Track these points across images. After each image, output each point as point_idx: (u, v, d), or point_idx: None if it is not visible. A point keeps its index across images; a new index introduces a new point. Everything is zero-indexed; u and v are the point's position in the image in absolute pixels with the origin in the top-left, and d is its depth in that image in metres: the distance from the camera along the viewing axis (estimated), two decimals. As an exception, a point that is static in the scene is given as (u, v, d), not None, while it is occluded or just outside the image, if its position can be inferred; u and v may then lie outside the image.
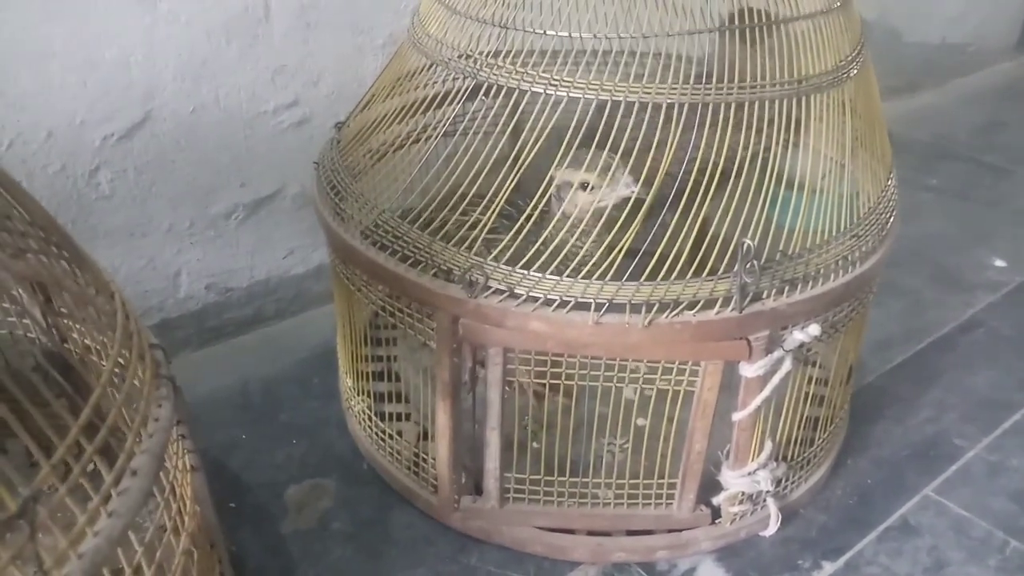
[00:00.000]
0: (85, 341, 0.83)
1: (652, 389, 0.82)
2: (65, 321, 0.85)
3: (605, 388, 0.82)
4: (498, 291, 0.77)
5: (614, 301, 0.75)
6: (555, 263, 0.77)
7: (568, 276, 0.76)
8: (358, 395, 1.02)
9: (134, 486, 0.56)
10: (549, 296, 0.75)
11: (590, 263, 0.76)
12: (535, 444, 0.89)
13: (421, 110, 0.95)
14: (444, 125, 0.88)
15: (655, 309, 0.75)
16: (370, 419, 1.00)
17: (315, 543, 0.91)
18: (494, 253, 0.78)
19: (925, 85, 2.28)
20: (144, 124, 1.07)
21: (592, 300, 0.75)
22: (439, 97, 0.92)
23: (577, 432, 0.85)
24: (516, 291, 0.76)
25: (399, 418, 1.00)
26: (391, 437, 0.98)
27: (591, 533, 0.90)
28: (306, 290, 1.30)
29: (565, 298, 0.75)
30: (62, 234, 0.68)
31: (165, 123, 1.09)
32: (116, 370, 0.61)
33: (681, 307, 0.75)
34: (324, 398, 1.12)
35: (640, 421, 0.89)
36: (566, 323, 0.75)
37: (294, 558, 0.90)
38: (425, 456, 0.93)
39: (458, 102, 0.86)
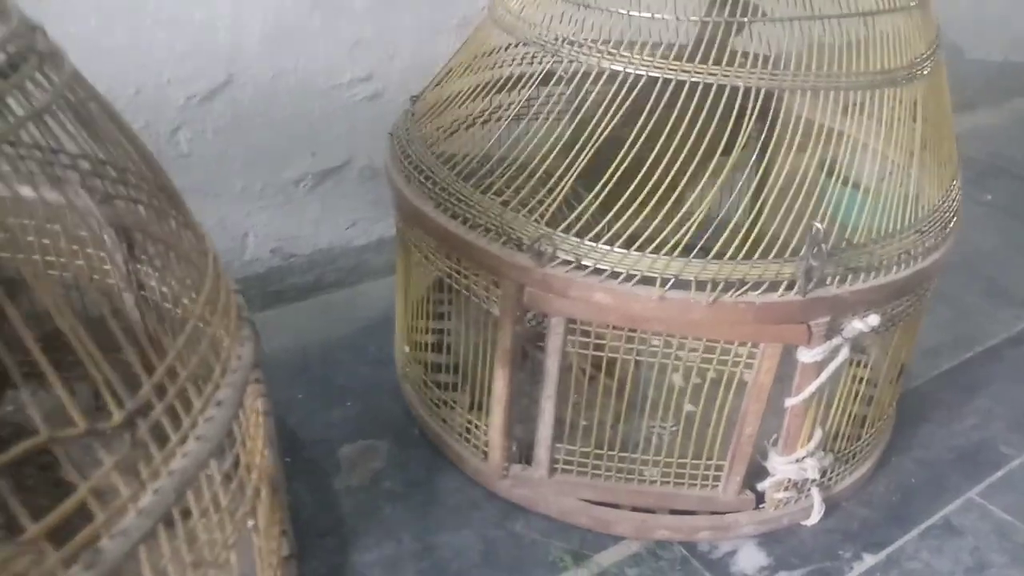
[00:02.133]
0: (163, 289, 0.87)
1: (701, 375, 0.84)
2: (145, 268, 0.89)
3: (655, 371, 0.84)
4: (565, 262, 0.79)
5: (679, 277, 0.76)
6: (623, 237, 0.79)
7: (635, 250, 0.78)
8: (413, 363, 1.05)
9: (219, 415, 0.59)
10: (615, 269, 0.77)
11: (658, 239, 0.78)
12: (584, 421, 0.91)
13: (496, 89, 0.98)
14: (517, 106, 0.91)
15: (720, 287, 0.77)
16: (424, 385, 1.03)
17: (366, 500, 0.94)
18: (563, 224, 0.80)
19: (983, 103, 2.27)
20: (226, 87, 1.11)
21: (658, 275, 0.77)
22: (516, 78, 0.95)
23: (626, 412, 0.87)
24: (583, 263, 0.78)
25: (451, 388, 1.03)
26: (443, 405, 1.00)
27: (636, 509, 0.92)
28: (365, 261, 1.33)
29: (631, 272, 0.77)
30: (157, 179, 0.71)
31: (245, 88, 1.12)
32: (208, 307, 0.64)
33: (746, 287, 0.77)
34: (378, 365, 1.15)
35: (689, 407, 0.90)
36: (630, 296, 0.77)
37: (345, 512, 0.93)
38: (476, 424, 0.96)
39: (534, 84, 0.89)
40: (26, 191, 0.84)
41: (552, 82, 0.89)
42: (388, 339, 1.14)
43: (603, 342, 0.83)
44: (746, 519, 0.92)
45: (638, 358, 0.84)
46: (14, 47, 0.53)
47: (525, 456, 0.93)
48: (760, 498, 0.92)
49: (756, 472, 0.91)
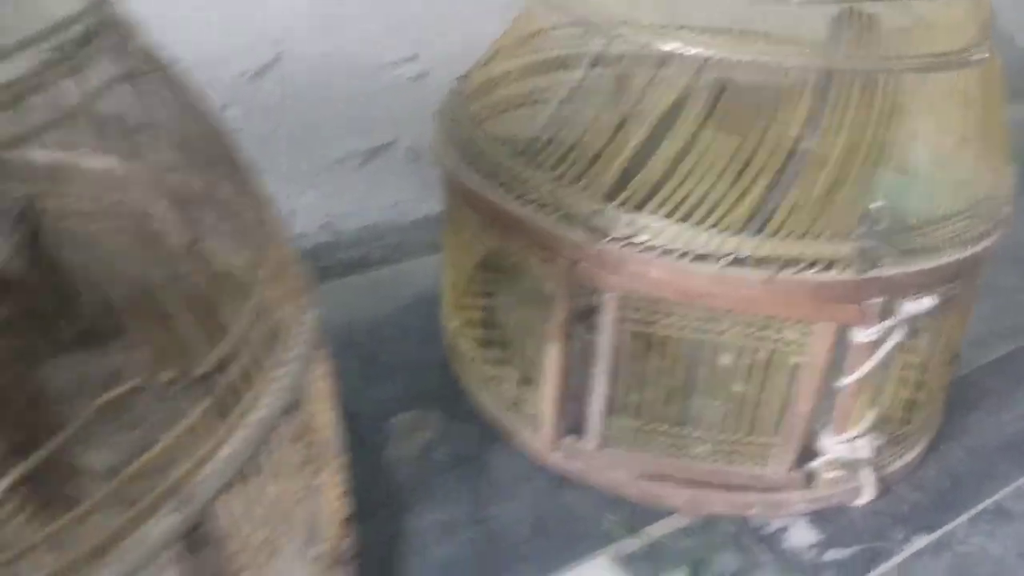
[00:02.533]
0: (225, 259, 0.88)
1: (754, 354, 0.84)
2: (206, 235, 0.90)
3: (707, 349, 0.84)
4: (619, 238, 0.79)
5: (736, 254, 0.76)
6: (678, 214, 0.79)
7: (691, 226, 0.78)
8: (462, 339, 1.06)
9: (289, 374, 0.60)
10: (670, 245, 0.78)
11: (714, 216, 0.78)
12: (635, 398, 0.92)
13: (545, 70, 0.98)
14: (567, 87, 0.91)
15: (776, 265, 0.77)
16: (472, 361, 1.04)
17: (417, 470, 0.96)
18: (618, 200, 0.80)
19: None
20: (275, 65, 1.12)
21: (714, 251, 0.77)
22: (564, 59, 0.95)
23: (678, 389, 0.88)
24: (637, 239, 0.79)
25: (500, 363, 1.04)
26: (492, 380, 1.01)
27: (687, 484, 0.92)
28: (410, 239, 1.34)
29: (687, 248, 0.77)
30: (222, 149, 0.72)
31: (294, 65, 1.14)
32: (272, 273, 0.65)
33: (802, 266, 0.77)
34: (425, 341, 1.16)
35: (739, 386, 0.91)
36: (685, 272, 0.78)
37: (397, 481, 0.94)
38: (526, 398, 0.96)
39: (586, 65, 0.89)
40: (90, 159, 0.87)
41: (601, 64, 0.89)
42: (434, 316, 1.15)
43: (656, 318, 0.83)
44: (797, 497, 0.92)
45: (691, 335, 0.84)
46: (90, 18, 0.54)
47: (575, 429, 0.94)
48: (810, 477, 0.92)
49: (808, 452, 0.91)
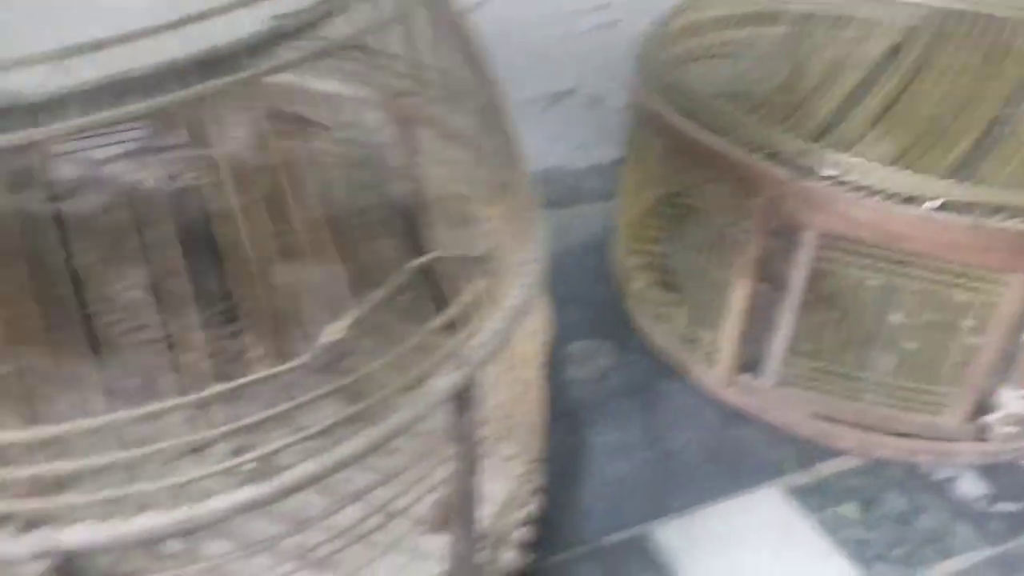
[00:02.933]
0: (440, 186, 0.95)
1: (941, 302, 0.86)
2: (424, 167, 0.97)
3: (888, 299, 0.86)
4: (826, 177, 0.82)
5: (942, 198, 0.79)
6: (887, 157, 0.82)
7: (899, 169, 0.80)
8: (634, 277, 1.11)
9: (525, 292, 0.67)
10: (878, 186, 0.80)
11: (924, 160, 0.81)
12: (812, 338, 0.95)
13: (749, 22, 1.02)
14: (769, 40, 0.94)
15: (981, 212, 0.79)
16: (645, 299, 1.09)
17: (594, 392, 1.02)
18: (825, 139, 0.83)
19: None
20: (476, 8, 1.18)
21: (921, 195, 0.79)
22: (763, 14, 0.99)
23: (856, 335, 0.90)
24: (845, 178, 0.82)
25: (673, 304, 1.08)
26: (665, 317, 1.06)
27: (858, 427, 0.95)
28: (584, 184, 1.39)
29: (895, 190, 0.80)
30: (484, 87, 0.77)
31: (492, 8, 1.20)
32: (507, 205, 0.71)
33: (1007, 214, 0.79)
34: (598, 280, 1.21)
35: (913, 343, 0.92)
36: (890, 214, 0.80)
37: (575, 400, 1.00)
38: (700, 336, 1.01)
39: (786, 22, 0.92)
40: (321, 84, 0.94)
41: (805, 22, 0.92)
42: (605, 258, 1.21)
43: (850, 260, 0.86)
44: (969, 449, 0.94)
45: (879, 282, 0.87)
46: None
47: (747, 367, 0.98)
48: (983, 430, 0.93)
49: (982, 405, 0.92)
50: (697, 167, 0.93)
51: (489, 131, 0.76)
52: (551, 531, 0.86)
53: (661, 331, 1.07)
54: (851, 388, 0.94)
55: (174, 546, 0.67)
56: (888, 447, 0.94)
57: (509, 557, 0.81)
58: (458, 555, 0.69)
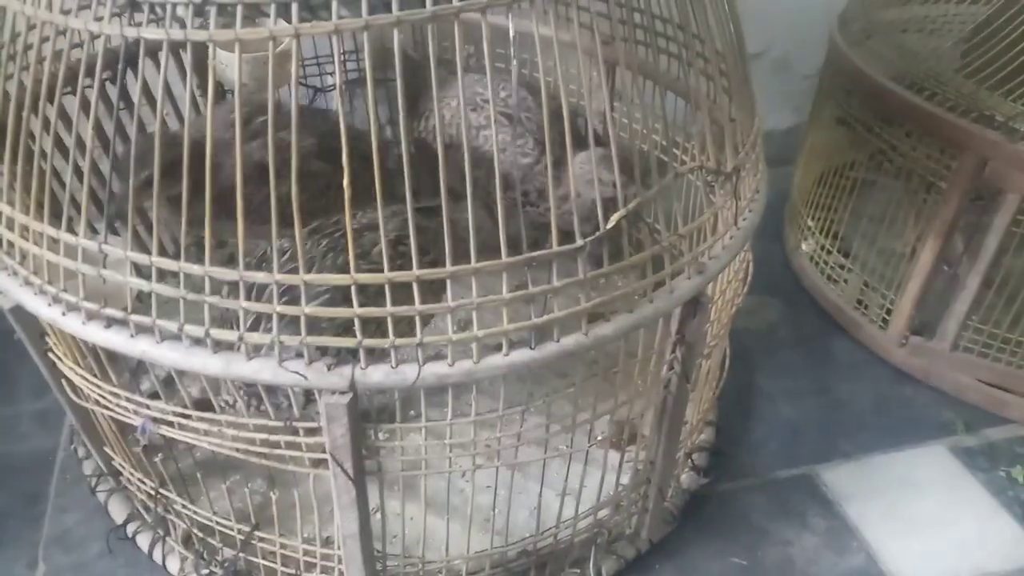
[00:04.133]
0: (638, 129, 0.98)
1: None
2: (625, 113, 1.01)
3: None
4: (1039, 142, 0.84)
5: None
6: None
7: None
8: (808, 239, 1.14)
9: (754, 217, 0.71)
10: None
11: None
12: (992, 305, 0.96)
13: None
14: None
15: None
16: (816, 261, 1.12)
17: (764, 341, 1.06)
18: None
19: None
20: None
21: None
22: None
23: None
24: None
25: (844, 267, 1.11)
26: (835, 279, 1.09)
27: (1026, 397, 0.96)
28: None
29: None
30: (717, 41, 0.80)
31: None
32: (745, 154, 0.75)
33: None
34: (769, 241, 1.24)
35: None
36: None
37: (747, 347, 1.04)
38: (871, 298, 1.03)
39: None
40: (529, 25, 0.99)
41: None
42: (777, 220, 1.24)
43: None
44: None
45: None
46: None
47: (918, 330, 1.00)
48: None
49: None
50: (899, 128, 0.95)
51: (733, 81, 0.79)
52: (724, 461, 0.91)
53: (831, 292, 1.10)
54: (1025, 358, 0.95)
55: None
56: (1060, 421, 0.95)
57: (687, 477, 0.87)
58: (661, 457, 0.74)
